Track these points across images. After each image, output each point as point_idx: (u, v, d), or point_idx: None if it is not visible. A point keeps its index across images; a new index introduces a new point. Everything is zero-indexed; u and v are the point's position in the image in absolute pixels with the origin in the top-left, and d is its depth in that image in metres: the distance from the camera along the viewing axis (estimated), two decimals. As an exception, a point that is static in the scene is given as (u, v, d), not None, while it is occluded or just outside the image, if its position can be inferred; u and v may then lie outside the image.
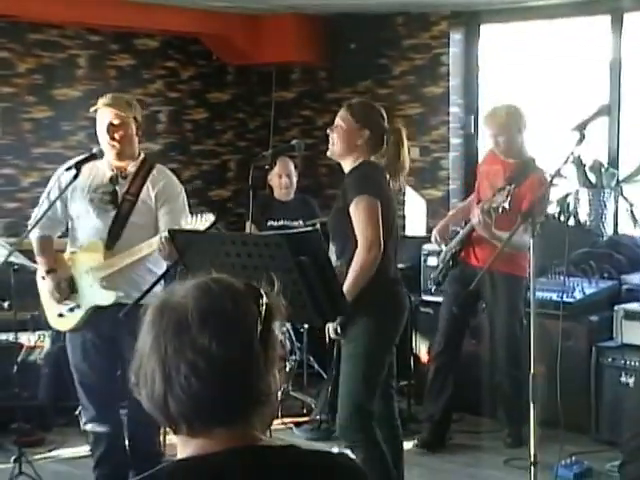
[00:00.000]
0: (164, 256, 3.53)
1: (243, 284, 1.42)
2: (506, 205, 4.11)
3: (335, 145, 3.59)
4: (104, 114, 3.69)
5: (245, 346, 1.35)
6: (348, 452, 3.45)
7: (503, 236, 4.31)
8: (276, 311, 1.41)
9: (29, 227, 3.78)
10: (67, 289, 3.75)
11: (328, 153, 3.64)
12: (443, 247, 4.80)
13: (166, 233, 3.44)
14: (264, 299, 1.39)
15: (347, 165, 3.60)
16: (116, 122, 3.67)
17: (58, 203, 3.76)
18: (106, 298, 3.66)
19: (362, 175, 3.52)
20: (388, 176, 3.60)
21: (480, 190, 4.78)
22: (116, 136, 3.67)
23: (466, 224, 4.74)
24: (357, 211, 3.41)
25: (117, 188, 3.73)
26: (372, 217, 3.40)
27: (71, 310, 3.76)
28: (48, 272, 3.77)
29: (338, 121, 3.61)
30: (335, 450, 4.48)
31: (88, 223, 3.75)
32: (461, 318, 4.76)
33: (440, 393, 4.79)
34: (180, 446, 1.39)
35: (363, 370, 3.43)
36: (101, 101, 3.73)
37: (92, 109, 3.77)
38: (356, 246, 3.41)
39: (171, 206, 3.72)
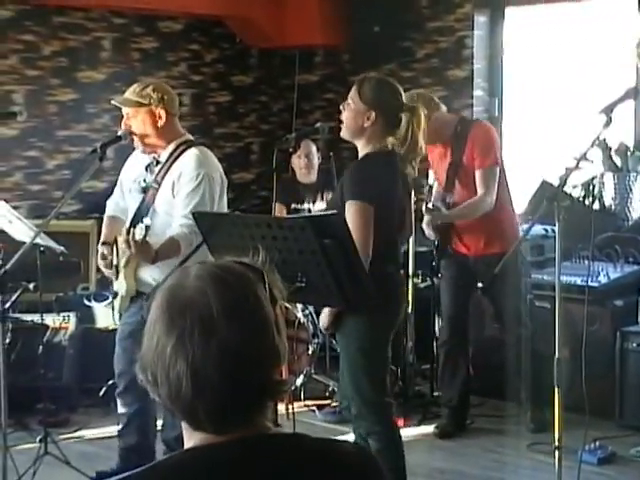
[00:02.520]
0: (136, 256, 3.51)
1: (244, 267, 1.38)
2: (449, 200, 4.37)
3: (344, 126, 3.39)
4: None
5: (269, 342, 1.34)
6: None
7: (456, 211, 4.57)
8: (277, 292, 1.39)
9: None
10: (110, 264, 3.76)
11: (341, 133, 3.43)
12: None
13: (124, 232, 3.49)
14: (266, 280, 1.37)
15: (360, 148, 3.40)
16: (126, 116, 3.69)
17: (118, 191, 3.91)
18: (128, 290, 3.68)
19: (359, 175, 3.30)
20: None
21: (439, 175, 4.74)
22: (132, 129, 3.67)
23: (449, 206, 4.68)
24: (348, 215, 3.22)
25: (148, 176, 3.74)
26: (360, 225, 3.19)
27: (115, 294, 3.80)
28: (102, 243, 3.83)
29: (349, 98, 3.38)
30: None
31: (130, 214, 3.80)
32: (462, 302, 4.71)
33: (453, 379, 4.78)
34: (187, 436, 1.37)
35: (363, 365, 3.34)
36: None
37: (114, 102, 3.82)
38: None
39: (181, 193, 3.62)
